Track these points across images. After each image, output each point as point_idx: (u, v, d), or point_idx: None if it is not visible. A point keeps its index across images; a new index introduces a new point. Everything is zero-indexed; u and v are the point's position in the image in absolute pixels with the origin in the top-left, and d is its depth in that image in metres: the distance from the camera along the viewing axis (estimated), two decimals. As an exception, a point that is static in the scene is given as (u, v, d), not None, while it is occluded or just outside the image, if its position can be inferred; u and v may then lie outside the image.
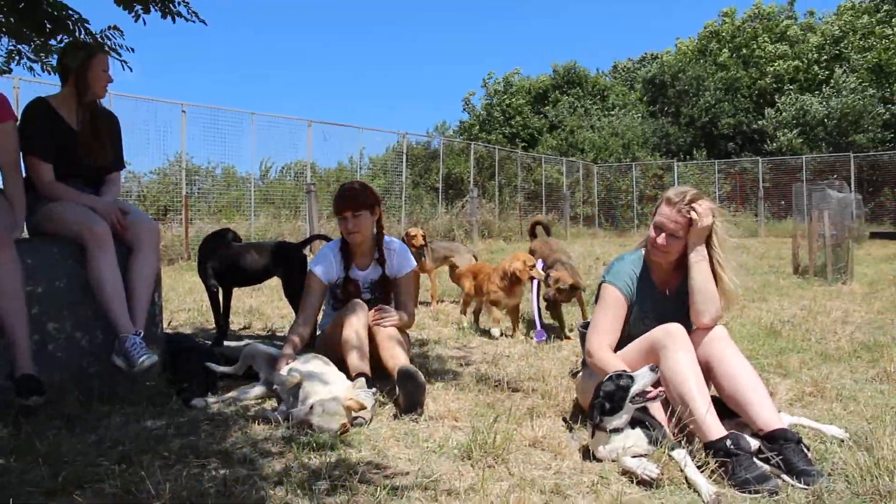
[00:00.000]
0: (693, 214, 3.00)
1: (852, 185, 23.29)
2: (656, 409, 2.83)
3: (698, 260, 3.02)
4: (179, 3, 3.59)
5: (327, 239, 4.89)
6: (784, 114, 30.37)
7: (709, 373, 2.91)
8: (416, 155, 23.43)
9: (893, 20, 30.35)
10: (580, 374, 3.41)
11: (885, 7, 31.88)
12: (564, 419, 3.20)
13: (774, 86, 34.06)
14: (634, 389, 2.68)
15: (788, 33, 35.75)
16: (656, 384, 2.75)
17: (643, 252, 3.26)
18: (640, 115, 33.39)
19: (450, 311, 6.60)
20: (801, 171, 24.88)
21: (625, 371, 2.77)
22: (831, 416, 3.29)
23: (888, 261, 12.45)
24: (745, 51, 36.20)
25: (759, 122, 31.59)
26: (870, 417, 3.18)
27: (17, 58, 3.65)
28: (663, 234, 3.06)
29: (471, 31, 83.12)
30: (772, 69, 34.46)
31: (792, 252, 10.72)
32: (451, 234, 17.66)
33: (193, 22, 3.66)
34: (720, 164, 27.40)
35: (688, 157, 31.22)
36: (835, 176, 23.60)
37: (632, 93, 35.91)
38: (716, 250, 3.04)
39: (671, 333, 2.89)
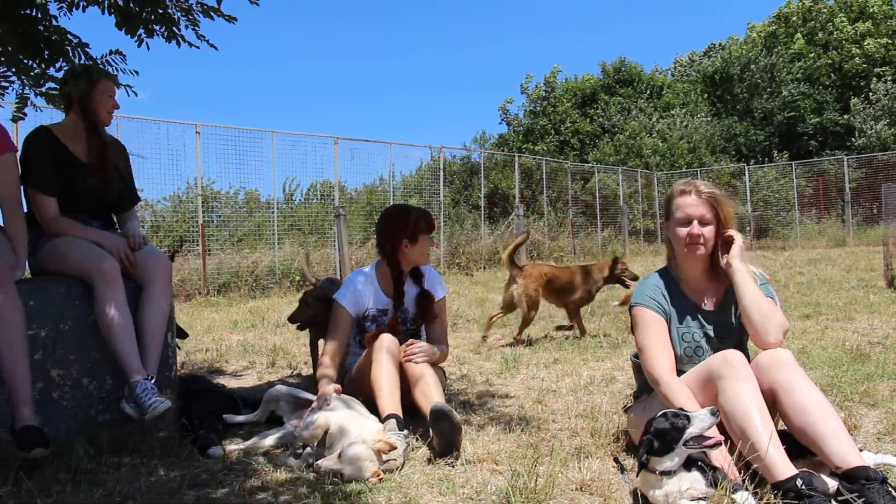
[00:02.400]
0: (729, 232, 3.16)
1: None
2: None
3: (739, 274, 3.09)
4: (186, 27, 3.72)
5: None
6: (874, 105, 29.57)
7: (775, 404, 2.87)
8: (454, 171, 23.56)
9: None
10: (632, 407, 3.42)
11: None
12: (615, 459, 3.20)
13: (863, 70, 33.29)
14: (690, 432, 2.65)
15: (871, 9, 35.15)
16: (720, 430, 2.74)
17: (668, 268, 3.36)
18: (704, 115, 33.07)
19: (492, 344, 6.64)
20: None
21: (682, 409, 2.74)
22: (926, 452, 3.24)
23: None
24: (821, 34, 35.66)
25: (846, 116, 30.78)
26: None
27: (29, 102, 3.85)
28: (695, 223, 3.14)
29: (505, 34, 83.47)
30: (860, 51, 33.74)
31: (884, 262, 10.51)
32: (496, 257, 17.70)
33: (199, 48, 3.79)
34: (799, 166, 26.84)
35: (766, 159, 30.72)
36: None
37: (693, 90, 35.62)
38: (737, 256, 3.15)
39: (729, 361, 2.89)
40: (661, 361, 3.07)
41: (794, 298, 8.95)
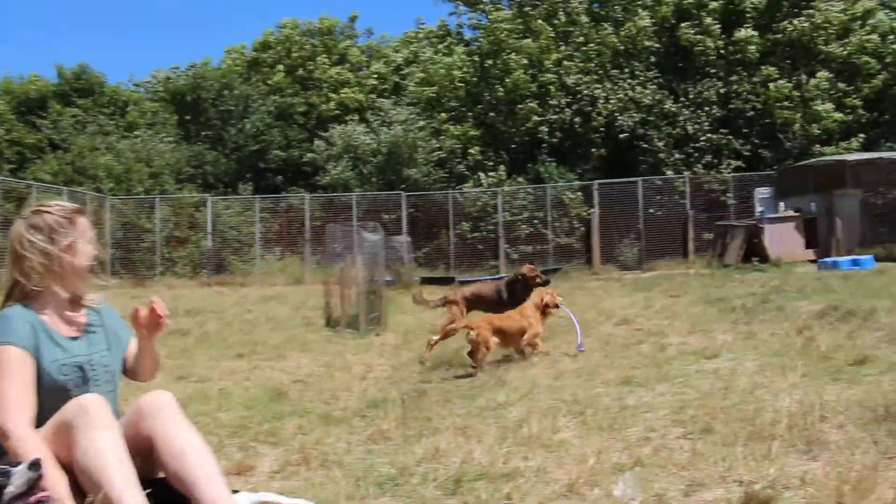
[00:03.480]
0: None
1: (404, 226, 25.54)
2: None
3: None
4: None
5: None
6: (336, 147, 32.17)
7: (153, 452, 2.85)
8: None
9: (455, 51, 34.10)
10: None
11: (449, 39, 35.96)
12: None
13: (337, 116, 35.99)
14: (9, 491, 2.50)
15: (349, 57, 38.39)
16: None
17: (18, 304, 3.04)
18: (170, 137, 32.77)
19: None
20: (352, 209, 26.38)
21: (6, 467, 2.55)
22: (310, 484, 3.49)
23: (434, 307, 13.74)
24: (301, 71, 37.85)
25: (310, 155, 32.92)
26: (346, 482, 3.41)
27: None
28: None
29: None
30: (336, 96, 36.49)
31: (324, 301, 11.18)
32: None
33: None
34: (263, 201, 27.90)
35: (230, 190, 31.29)
36: (387, 215, 25.65)
37: (163, 111, 35.20)
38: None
39: (84, 408, 2.76)
40: (17, 413, 2.79)
41: (235, 337, 9.07)
